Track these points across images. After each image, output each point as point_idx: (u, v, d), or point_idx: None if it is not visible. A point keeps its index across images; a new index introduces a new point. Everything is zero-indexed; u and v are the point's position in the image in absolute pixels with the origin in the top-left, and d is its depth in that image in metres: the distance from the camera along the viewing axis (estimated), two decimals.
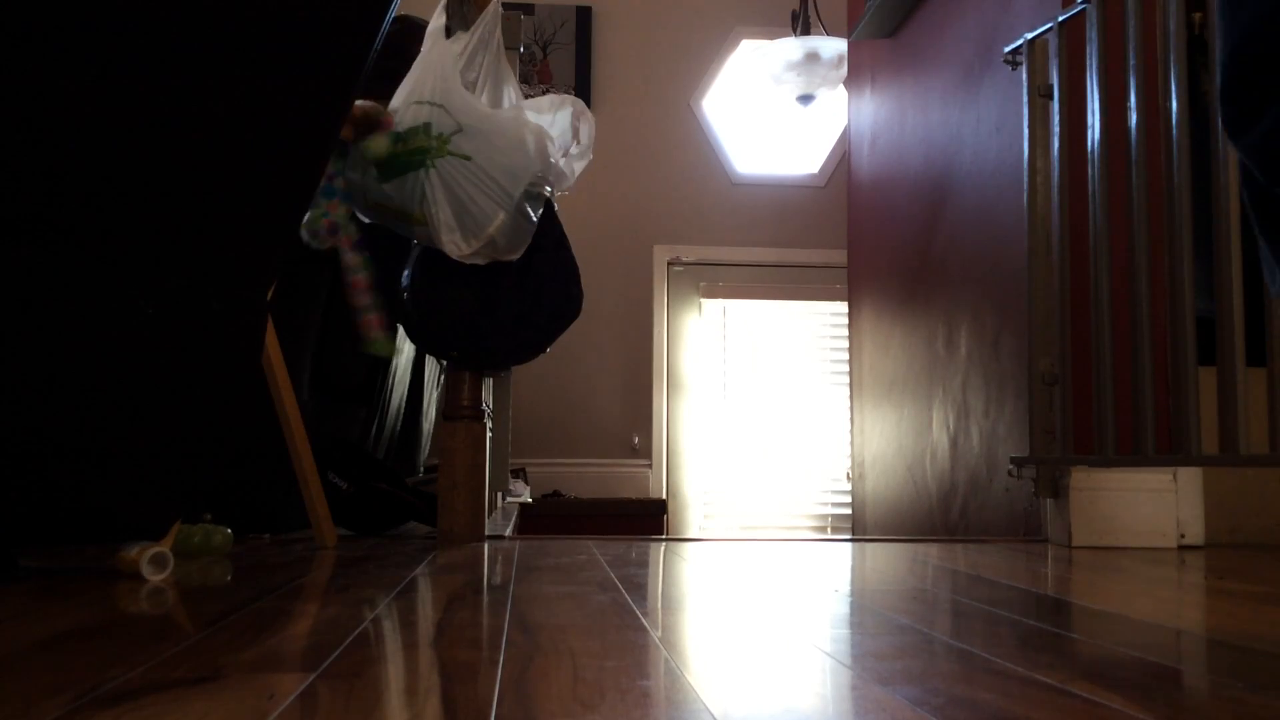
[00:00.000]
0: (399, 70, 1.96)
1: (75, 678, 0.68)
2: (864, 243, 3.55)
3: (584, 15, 4.45)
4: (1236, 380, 1.74)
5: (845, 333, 3.69)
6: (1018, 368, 2.27)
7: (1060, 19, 2.15)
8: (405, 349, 2.57)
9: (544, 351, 2.16)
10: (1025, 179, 2.23)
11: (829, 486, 4.65)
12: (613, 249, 4.27)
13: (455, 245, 1.90)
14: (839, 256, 4.09)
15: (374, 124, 1.85)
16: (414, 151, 1.88)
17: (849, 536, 3.55)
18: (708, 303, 4.57)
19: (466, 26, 2.00)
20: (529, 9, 4.33)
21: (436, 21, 1.98)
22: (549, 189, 2.00)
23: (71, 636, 0.87)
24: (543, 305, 2.08)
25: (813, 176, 4.48)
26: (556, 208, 2.10)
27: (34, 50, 1.08)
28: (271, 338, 1.66)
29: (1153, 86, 1.93)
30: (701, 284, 4.56)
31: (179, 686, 0.66)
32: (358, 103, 1.74)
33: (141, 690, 0.65)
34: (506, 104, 1.97)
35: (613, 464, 4.35)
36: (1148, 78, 1.94)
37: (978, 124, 2.63)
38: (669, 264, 4.50)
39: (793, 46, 3.86)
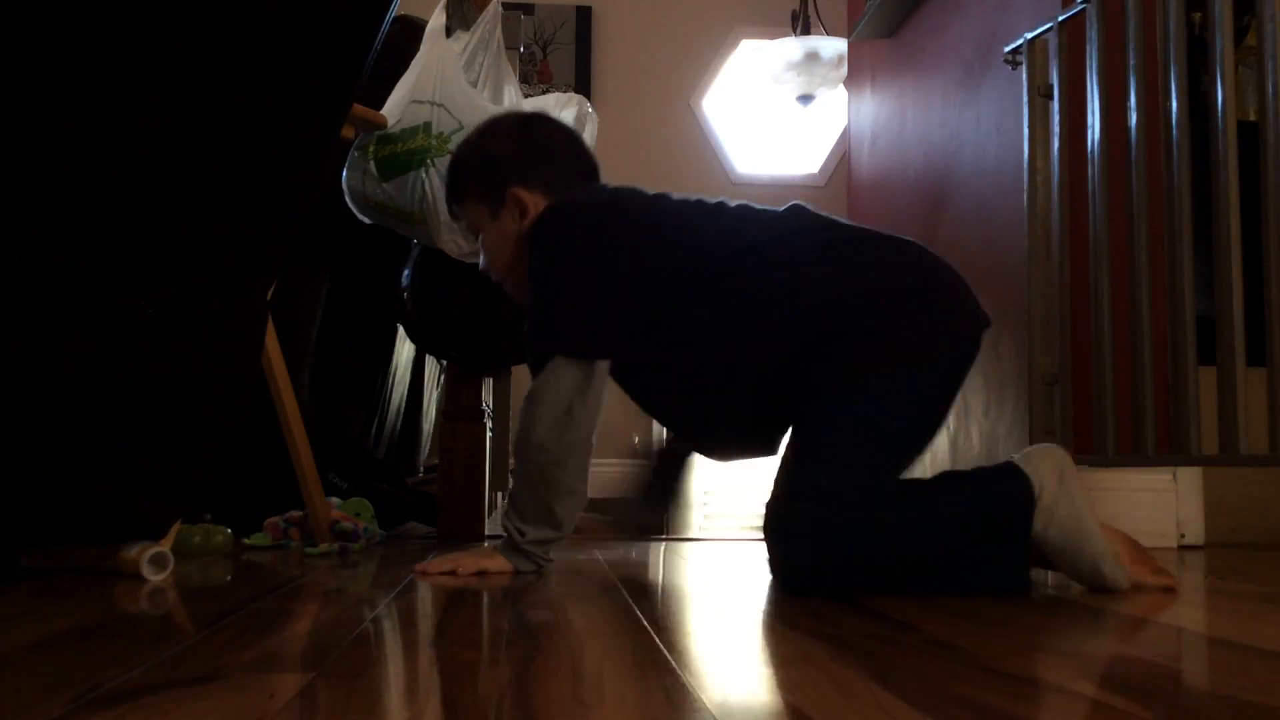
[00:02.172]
0: (397, 70, 1.96)
1: (75, 678, 0.68)
2: None
3: (584, 15, 4.45)
4: (1236, 380, 1.73)
5: None
6: (1018, 368, 2.27)
7: (1060, 19, 2.15)
8: (405, 349, 2.57)
9: None
10: (1025, 179, 2.23)
11: None
12: None
13: (455, 245, 1.90)
14: None
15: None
16: (414, 151, 1.87)
17: None
18: None
19: (467, 26, 1.99)
20: (529, 9, 4.33)
21: (436, 21, 1.97)
22: None
23: (71, 636, 0.87)
24: None
25: (812, 176, 4.48)
26: None
27: (35, 52, 1.08)
28: (271, 338, 1.65)
29: (1153, 86, 1.93)
30: None
31: (179, 686, 0.66)
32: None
33: (141, 690, 0.65)
34: (507, 103, 1.96)
35: (613, 464, 4.35)
36: (1148, 78, 1.94)
37: (978, 124, 2.63)
38: None
39: (793, 46, 3.86)
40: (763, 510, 1.29)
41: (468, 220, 1.52)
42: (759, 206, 1.39)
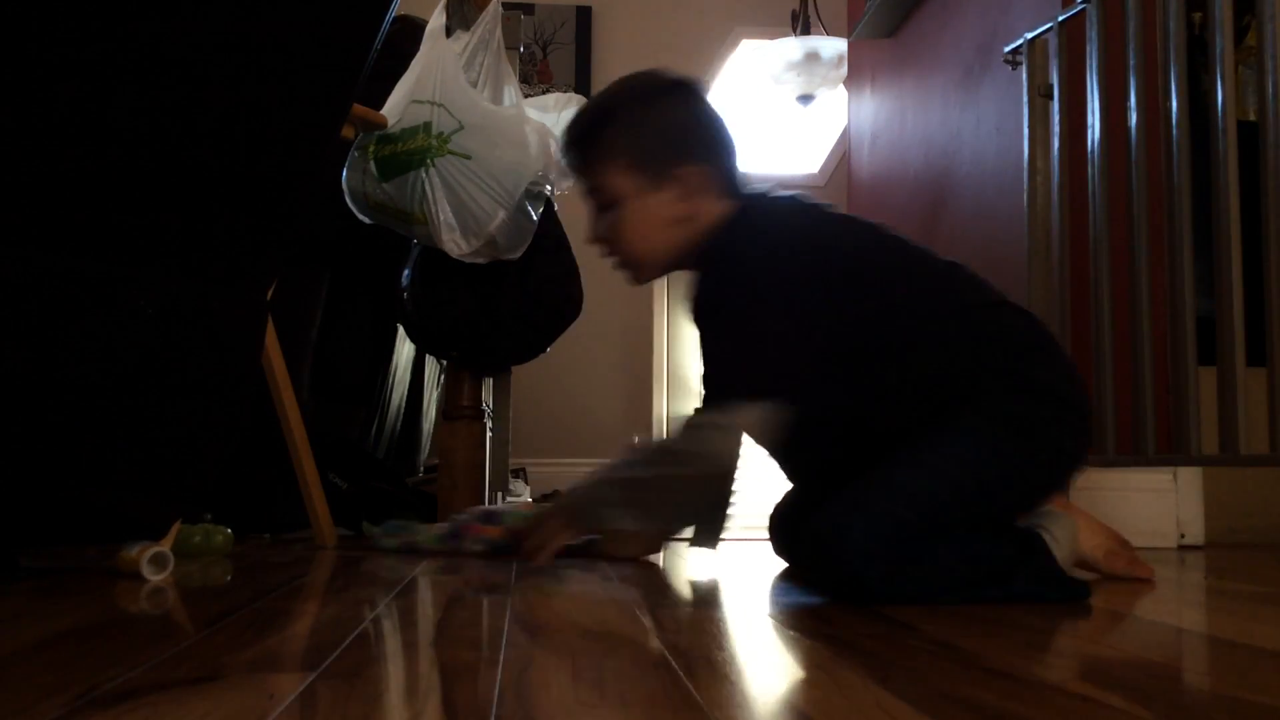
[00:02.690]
0: (397, 70, 1.96)
1: (75, 678, 0.68)
2: None
3: (584, 15, 4.45)
4: (1236, 380, 1.74)
5: None
6: None
7: (1060, 19, 2.15)
8: (405, 349, 2.57)
9: (544, 351, 2.16)
10: (1025, 179, 2.23)
11: None
12: None
13: (455, 244, 1.90)
14: None
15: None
16: (414, 151, 1.87)
17: None
18: None
19: (467, 26, 2.00)
20: (529, 9, 4.33)
21: (436, 21, 1.97)
22: (550, 188, 2.00)
23: (71, 636, 0.87)
24: (543, 305, 2.08)
25: (812, 176, 4.48)
26: (556, 207, 2.10)
27: (36, 51, 1.08)
28: (271, 338, 1.66)
29: (1153, 86, 1.93)
30: None
31: (179, 686, 0.66)
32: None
33: (141, 690, 0.65)
34: (507, 103, 1.96)
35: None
36: (1148, 78, 1.94)
37: (978, 124, 2.63)
38: None
39: (793, 46, 3.86)
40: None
41: (594, 185, 1.32)
42: (934, 260, 1.30)
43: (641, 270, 1.35)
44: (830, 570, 1.14)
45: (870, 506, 1.14)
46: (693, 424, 1.28)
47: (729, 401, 1.23)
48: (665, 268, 1.34)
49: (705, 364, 1.27)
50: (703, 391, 1.28)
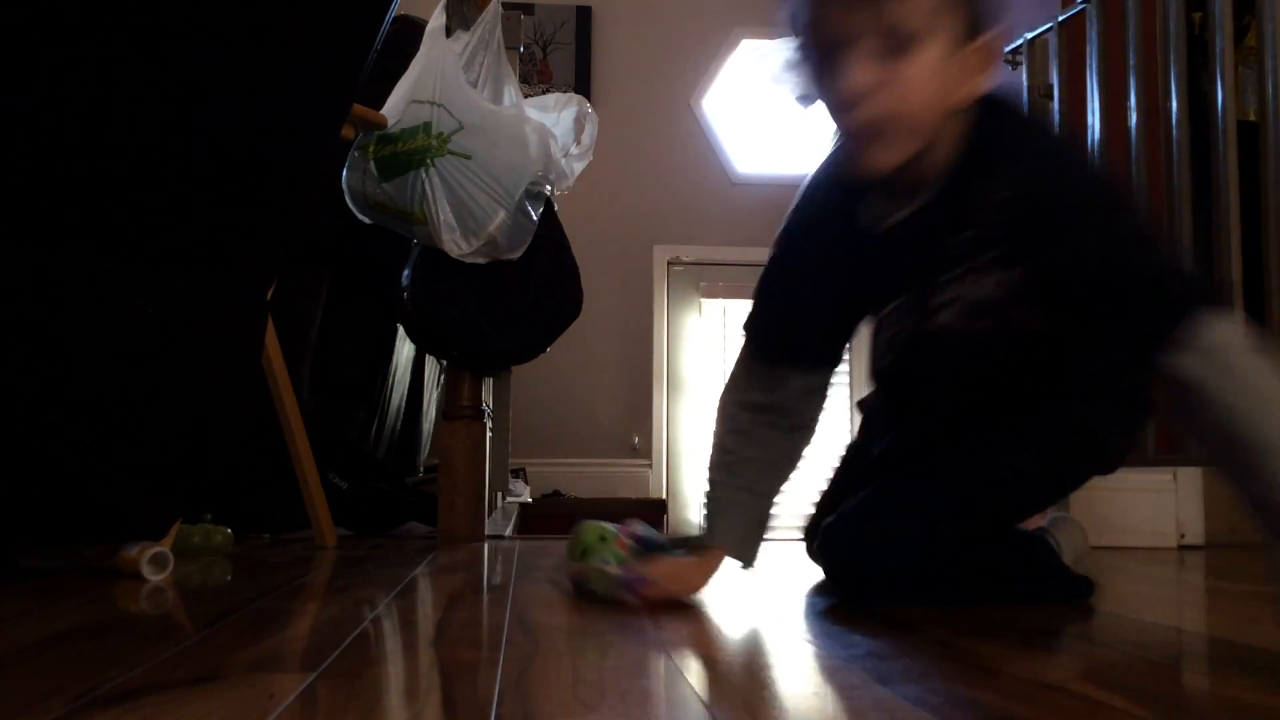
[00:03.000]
0: (397, 70, 1.96)
1: (75, 678, 0.68)
2: None
3: (584, 15, 4.45)
4: None
5: None
6: None
7: (1060, 19, 2.15)
8: (405, 349, 2.57)
9: (544, 351, 2.16)
10: None
11: None
12: (613, 249, 4.26)
13: (455, 244, 1.90)
14: None
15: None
16: (414, 151, 1.87)
17: None
18: (708, 303, 4.57)
19: (467, 26, 1.99)
20: (529, 9, 4.33)
21: (436, 21, 1.97)
22: (550, 188, 2.00)
23: (71, 636, 0.87)
24: (543, 305, 2.08)
25: None
26: (556, 207, 2.10)
27: (37, 52, 1.08)
28: (271, 338, 1.65)
29: (1153, 86, 1.93)
30: (701, 284, 4.56)
31: (179, 686, 0.66)
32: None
33: (141, 690, 0.65)
34: (507, 103, 1.96)
35: (613, 464, 4.35)
36: (1148, 78, 1.94)
37: None
38: (669, 264, 4.50)
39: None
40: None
41: (895, 17, 0.99)
42: None
43: (895, 147, 1.04)
44: (845, 580, 1.17)
45: (909, 527, 1.14)
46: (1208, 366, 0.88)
47: (1180, 314, 0.90)
48: (914, 151, 1.04)
49: (1093, 286, 0.97)
50: (1134, 316, 0.95)
